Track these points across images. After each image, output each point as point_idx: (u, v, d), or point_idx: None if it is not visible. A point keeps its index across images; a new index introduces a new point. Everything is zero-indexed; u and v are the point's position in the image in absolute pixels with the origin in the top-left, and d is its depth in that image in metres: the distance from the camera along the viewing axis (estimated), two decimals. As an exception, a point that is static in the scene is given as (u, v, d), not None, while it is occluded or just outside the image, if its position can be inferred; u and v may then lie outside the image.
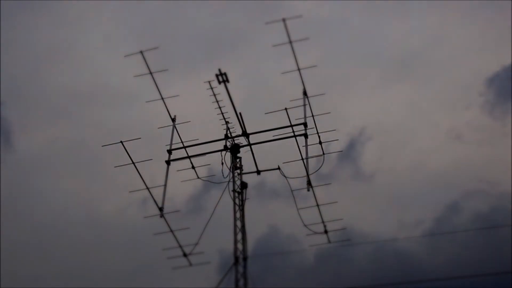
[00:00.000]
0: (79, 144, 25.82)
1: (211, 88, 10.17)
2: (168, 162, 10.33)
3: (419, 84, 26.91)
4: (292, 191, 9.85)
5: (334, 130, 10.01)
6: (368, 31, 27.92)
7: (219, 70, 8.94)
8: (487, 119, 25.85)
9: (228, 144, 10.34)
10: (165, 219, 9.71)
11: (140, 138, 9.92)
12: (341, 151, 10.62)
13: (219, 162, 10.18)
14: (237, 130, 10.32)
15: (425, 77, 26.98)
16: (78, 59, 28.19)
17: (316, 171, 9.80)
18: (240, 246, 9.49)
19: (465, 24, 27.95)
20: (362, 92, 26.66)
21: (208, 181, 10.36)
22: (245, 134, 10.19)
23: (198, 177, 10.55)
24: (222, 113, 10.41)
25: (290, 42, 8.97)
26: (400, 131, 25.56)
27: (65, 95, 27.79)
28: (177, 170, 10.40)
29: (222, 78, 8.97)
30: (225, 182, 9.98)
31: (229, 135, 10.40)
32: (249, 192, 10.05)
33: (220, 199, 9.80)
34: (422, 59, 27.32)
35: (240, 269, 9.28)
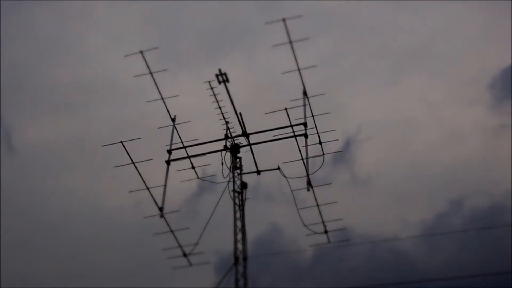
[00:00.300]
0: (80, 141, 25.81)
1: (211, 88, 10.18)
2: (168, 162, 10.33)
3: (423, 80, 26.86)
4: (292, 191, 9.86)
5: (334, 130, 10.03)
6: (375, 24, 27.86)
7: (219, 70, 8.95)
8: (491, 117, 25.80)
9: (228, 144, 10.34)
10: (165, 219, 9.72)
11: (140, 138, 9.94)
12: (341, 151, 10.64)
13: (219, 162, 10.20)
14: (237, 130, 10.34)
15: (430, 73, 26.96)
16: (80, 54, 28.19)
17: (316, 171, 9.81)
18: (240, 246, 9.50)
19: (472, 18, 27.79)
20: (367, 87, 26.62)
21: (208, 181, 10.37)
22: (245, 134, 10.19)
23: (198, 177, 10.57)
24: (222, 113, 10.42)
25: (290, 42, 8.97)
26: (402, 128, 25.52)
27: (67, 91, 27.78)
28: (177, 170, 10.42)
29: (222, 78, 8.98)
30: (225, 182, 9.99)
31: (229, 135, 10.40)
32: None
33: (220, 199, 9.82)
34: (427, 54, 27.27)
35: (240, 269, 9.29)
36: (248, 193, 10.06)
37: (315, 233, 9.77)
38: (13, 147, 26.71)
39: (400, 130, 25.54)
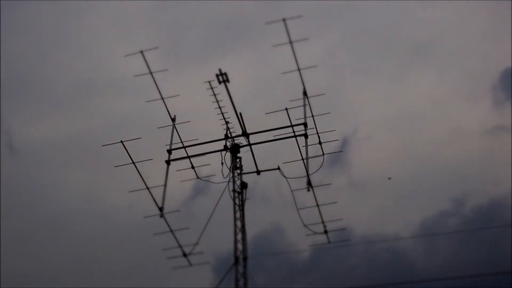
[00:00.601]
0: (81, 139, 25.70)
1: (211, 88, 10.18)
2: (168, 162, 10.33)
3: (426, 78, 26.75)
4: (292, 191, 9.86)
5: (334, 130, 10.04)
6: (380, 21, 27.71)
7: (220, 70, 8.96)
8: (495, 113, 25.66)
9: (228, 144, 10.34)
10: (165, 219, 9.72)
11: (140, 138, 9.95)
12: (341, 151, 10.64)
13: (219, 162, 10.20)
14: (237, 130, 10.34)
15: (433, 71, 26.84)
16: (82, 50, 28.08)
17: (316, 171, 9.81)
18: (240, 246, 9.50)
19: (480, 14, 27.52)
20: (368, 85, 26.53)
21: (208, 181, 10.38)
22: (245, 134, 10.19)
23: (198, 177, 10.57)
24: (222, 113, 10.41)
25: (290, 42, 8.98)
26: (404, 125, 25.44)
27: (69, 88, 27.66)
28: (177, 170, 10.41)
29: (223, 78, 8.99)
30: (225, 182, 9.99)
31: (229, 135, 10.40)
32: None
33: (220, 199, 9.82)
34: (432, 51, 27.13)
35: (240, 269, 9.29)
36: (247, 193, 10.08)
37: (315, 233, 9.78)
38: (13, 146, 26.67)
39: (401, 128, 25.52)
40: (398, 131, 25.27)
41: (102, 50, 28.17)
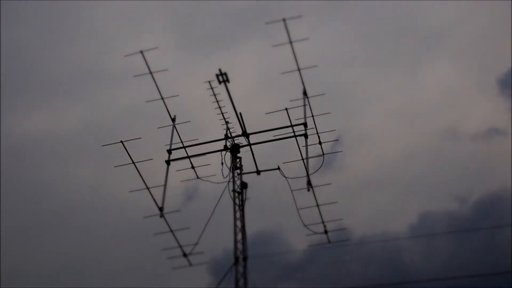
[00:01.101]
0: (82, 132, 25.63)
1: (211, 88, 10.18)
2: (168, 162, 10.33)
3: (430, 73, 26.67)
4: (292, 191, 9.86)
5: (334, 130, 10.05)
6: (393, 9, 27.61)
7: (219, 70, 8.96)
8: (500, 111, 25.57)
9: (228, 144, 10.34)
10: (165, 219, 9.73)
11: (140, 138, 9.95)
12: (341, 151, 10.64)
13: (219, 162, 10.20)
14: (237, 130, 10.34)
15: (438, 65, 26.74)
16: (85, 40, 28.00)
17: (316, 171, 9.81)
18: (240, 246, 9.50)
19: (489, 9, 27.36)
20: (375, 79, 26.45)
21: (208, 181, 10.37)
22: (245, 134, 10.20)
23: (198, 177, 10.57)
24: (222, 113, 10.42)
25: (290, 42, 8.98)
26: (404, 123, 25.40)
27: (72, 78, 27.57)
28: (177, 170, 10.42)
29: (223, 78, 8.99)
30: (225, 182, 9.99)
31: (229, 135, 10.40)
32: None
33: (220, 199, 9.83)
34: (436, 46, 27.03)
35: (240, 269, 9.30)
36: (247, 193, 10.08)
37: (315, 233, 9.78)
38: (13, 140, 26.54)
39: (400, 126, 25.51)
40: (397, 130, 25.27)
41: (104, 43, 28.11)
